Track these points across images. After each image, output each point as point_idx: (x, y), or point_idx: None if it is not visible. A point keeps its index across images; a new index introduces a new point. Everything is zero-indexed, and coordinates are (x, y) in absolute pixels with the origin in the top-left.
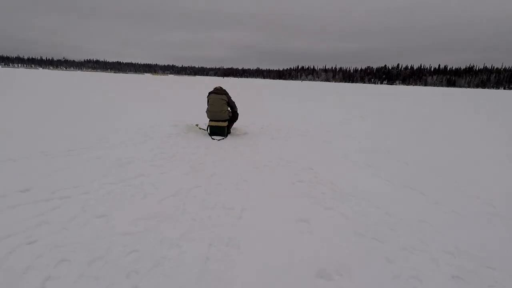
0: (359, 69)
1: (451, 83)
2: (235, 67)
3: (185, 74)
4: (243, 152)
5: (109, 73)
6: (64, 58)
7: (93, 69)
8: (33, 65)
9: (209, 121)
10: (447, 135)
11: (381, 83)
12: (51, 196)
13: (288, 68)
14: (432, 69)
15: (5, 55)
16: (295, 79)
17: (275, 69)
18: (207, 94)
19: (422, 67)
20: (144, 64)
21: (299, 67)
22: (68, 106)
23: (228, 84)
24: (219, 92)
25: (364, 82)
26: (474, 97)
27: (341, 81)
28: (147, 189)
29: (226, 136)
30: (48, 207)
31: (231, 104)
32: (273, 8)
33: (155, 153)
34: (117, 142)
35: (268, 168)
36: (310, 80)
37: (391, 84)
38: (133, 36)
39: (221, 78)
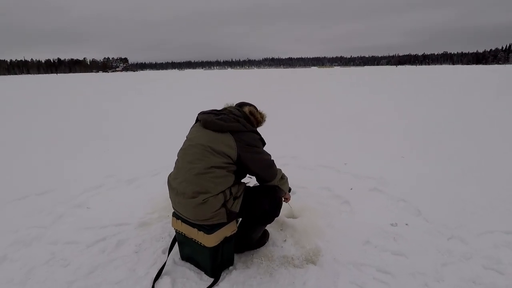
0: None
1: None
2: (413, 53)
3: (353, 65)
4: None
5: (279, 69)
6: (247, 58)
7: (269, 66)
8: (226, 66)
9: (173, 216)
10: None
11: None
12: None
13: (492, 50)
14: None
15: (208, 60)
16: (503, 63)
17: (470, 51)
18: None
19: None
20: (312, 58)
21: (509, 46)
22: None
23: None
24: (217, 124)
25: None
26: None
27: None
28: None
29: (217, 280)
30: None
31: (250, 167)
32: None
33: None
34: None
35: None
36: None
37: None
38: (303, 33)
39: (394, 66)
